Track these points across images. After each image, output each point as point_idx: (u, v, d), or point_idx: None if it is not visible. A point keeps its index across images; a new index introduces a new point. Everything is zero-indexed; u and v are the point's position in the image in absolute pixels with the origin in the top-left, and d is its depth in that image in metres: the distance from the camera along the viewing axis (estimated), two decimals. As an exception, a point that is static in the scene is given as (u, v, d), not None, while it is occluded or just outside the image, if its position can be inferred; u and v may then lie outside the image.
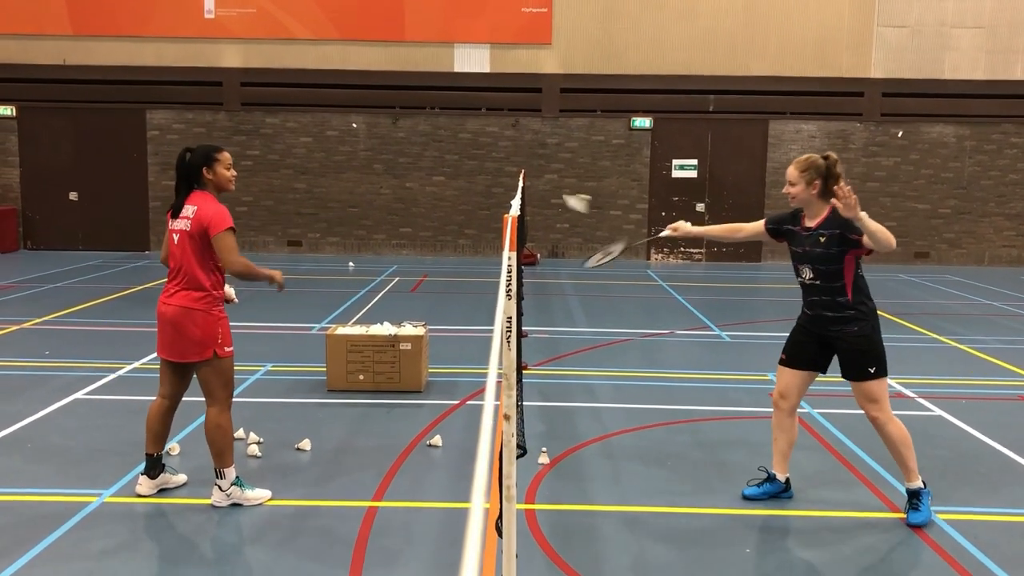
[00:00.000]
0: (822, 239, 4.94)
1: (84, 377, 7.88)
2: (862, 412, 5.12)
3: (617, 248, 5.20)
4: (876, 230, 4.65)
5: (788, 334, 5.33)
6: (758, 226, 5.44)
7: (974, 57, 17.84)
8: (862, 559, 4.64)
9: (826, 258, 4.93)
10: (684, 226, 5.41)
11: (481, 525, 1.28)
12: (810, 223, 5.05)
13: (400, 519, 5.00)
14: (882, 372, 4.96)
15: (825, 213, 4.98)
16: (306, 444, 6.12)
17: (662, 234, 5.46)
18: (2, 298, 12.14)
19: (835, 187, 4.58)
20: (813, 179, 4.97)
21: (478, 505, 1.28)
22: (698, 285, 14.78)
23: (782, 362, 5.28)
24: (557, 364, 8.78)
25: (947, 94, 17.87)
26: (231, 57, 17.82)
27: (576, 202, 5.39)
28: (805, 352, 5.18)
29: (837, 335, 4.99)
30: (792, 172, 5.04)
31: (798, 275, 5.12)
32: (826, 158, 5.02)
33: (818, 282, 4.99)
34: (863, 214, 4.59)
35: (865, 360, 4.94)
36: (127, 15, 17.61)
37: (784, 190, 5.15)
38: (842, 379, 5.14)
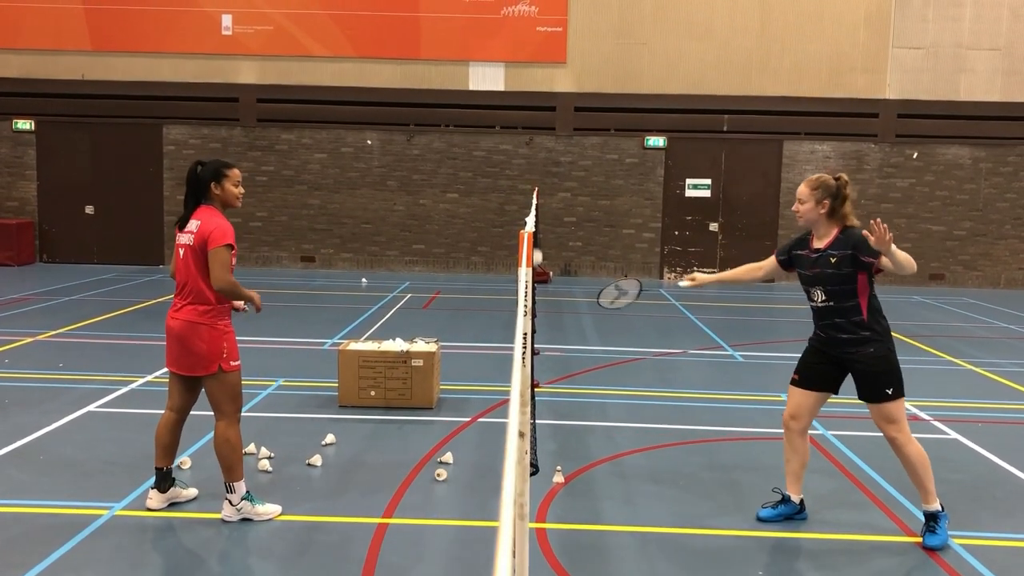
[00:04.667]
0: (833, 259, 4.91)
1: (97, 390, 7.90)
2: (877, 434, 5.08)
3: (633, 290, 5.24)
4: (903, 260, 4.64)
5: (800, 354, 5.30)
6: (771, 262, 5.41)
7: (990, 79, 17.79)
8: (877, 583, 4.59)
9: (838, 279, 4.90)
10: (701, 277, 5.45)
11: (510, 544, 1.25)
12: (819, 244, 5.03)
13: (410, 536, 4.98)
14: (900, 392, 4.91)
15: (834, 234, 4.97)
16: (317, 459, 6.11)
17: (681, 284, 5.50)
18: (18, 310, 12.21)
19: (872, 222, 4.52)
20: (823, 198, 4.97)
21: (507, 523, 1.25)
22: (711, 305, 14.73)
23: (794, 382, 5.23)
24: (569, 382, 8.75)
25: (963, 116, 17.80)
26: (247, 73, 17.96)
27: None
28: (819, 373, 5.14)
29: (853, 356, 4.94)
30: (803, 190, 5.04)
31: (810, 299, 5.08)
32: (837, 179, 5.02)
33: (832, 303, 4.95)
34: (892, 246, 4.56)
35: (883, 381, 4.89)
36: (146, 31, 17.77)
37: (793, 207, 5.15)
38: (856, 401, 5.10)
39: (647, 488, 5.83)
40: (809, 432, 5.33)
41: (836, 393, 5.21)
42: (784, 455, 5.32)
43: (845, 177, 5.05)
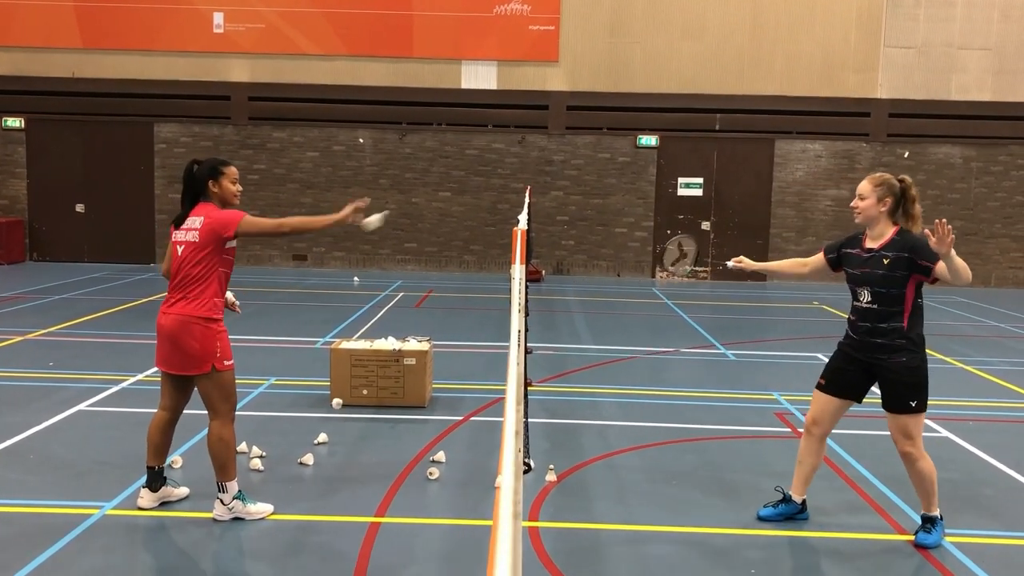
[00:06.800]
0: (886, 261, 4.80)
1: (88, 389, 7.87)
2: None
3: (691, 251, 5.26)
4: (961, 267, 4.54)
5: (827, 358, 5.21)
6: (819, 259, 5.32)
7: (981, 78, 17.85)
8: (868, 581, 4.60)
9: (888, 281, 4.79)
10: (748, 262, 5.45)
11: (510, 544, 1.25)
12: (872, 244, 4.92)
13: (402, 535, 4.97)
14: (922, 407, 4.83)
15: (890, 234, 4.88)
16: (309, 459, 6.09)
17: (728, 264, 5.52)
18: (8, 309, 12.15)
19: (936, 222, 4.42)
20: (885, 196, 4.88)
21: (506, 522, 1.24)
22: (703, 304, 14.75)
23: (820, 387, 5.13)
24: (562, 381, 8.75)
25: (954, 115, 17.87)
26: (239, 72, 17.91)
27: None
28: (846, 379, 5.03)
29: (884, 363, 4.84)
30: (864, 186, 4.94)
31: (855, 298, 4.96)
32: (901, 181, 4.95)
33: (876, 306, 4.83)
34: (952, 250, 4.47)
35: (909, 393, 4.80)
36: (137, 29, 17.70)
37: (852, 204, 5.03)
38: (852, 401, 5.08)
39: (640, 486, 5.83)
40: (827, 439, 5.24)
41: (860, 403, 5.12)
42: (798, 456, 5.26)
43: (910, 179, 4.97)
